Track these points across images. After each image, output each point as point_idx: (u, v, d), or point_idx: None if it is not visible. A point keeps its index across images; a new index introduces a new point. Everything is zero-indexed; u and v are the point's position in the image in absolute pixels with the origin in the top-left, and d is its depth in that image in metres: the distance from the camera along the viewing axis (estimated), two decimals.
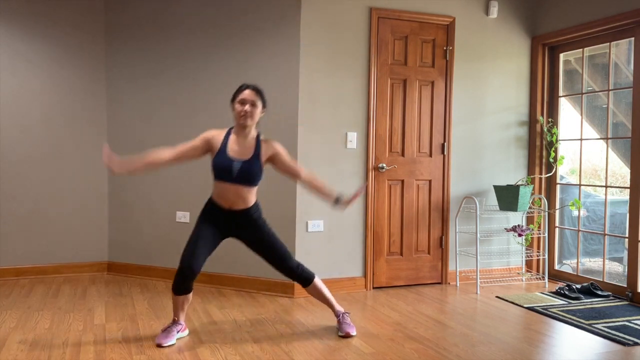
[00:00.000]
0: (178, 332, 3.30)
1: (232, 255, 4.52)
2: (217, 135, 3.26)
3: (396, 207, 4.64)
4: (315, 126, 4.33)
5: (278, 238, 3.39)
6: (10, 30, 4.70)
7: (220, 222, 3.31)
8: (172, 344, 3.22)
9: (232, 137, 3.25)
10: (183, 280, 3.23)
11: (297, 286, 4.29)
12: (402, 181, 4.66)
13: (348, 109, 4.44)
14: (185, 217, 4.66)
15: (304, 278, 3.42)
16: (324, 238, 4.38)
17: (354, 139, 4.46)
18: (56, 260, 4.87)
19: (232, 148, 3.22)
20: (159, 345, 3.18)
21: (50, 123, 4.83)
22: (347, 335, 3.38)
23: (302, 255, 4.30)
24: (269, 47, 4.38)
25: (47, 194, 4.83)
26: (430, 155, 4.75)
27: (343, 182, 4.40)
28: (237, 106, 3.22)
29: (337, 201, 3.32)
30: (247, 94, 3.21)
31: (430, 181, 4.76)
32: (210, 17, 4.54)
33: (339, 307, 3.53)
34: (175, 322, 3.31)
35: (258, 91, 3.26)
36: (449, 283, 4.81)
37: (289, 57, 4.30)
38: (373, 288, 4.58)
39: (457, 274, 4.79)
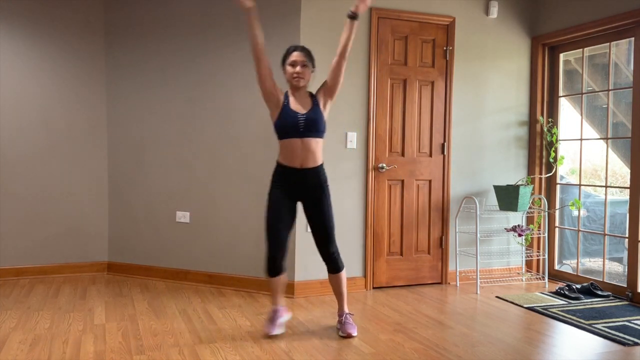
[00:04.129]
0: (280, 318, 3.49)
1: (232, 255, 4.52)
2: (279, 92, 3.35)
3: (396, 207, 4.64)
4: None
5: (333, 217, 3.44)
6: (10, 31, 4.70)
7: (291, 186, 3.37)
8: (283, 332, 3.43)
9: (291, 97, 3.36)
10: (273, 263, 3.40)
11: (297, 286, 4.29)
12: (402, 181, 4.66)
13: (348, 109, 4.44)
14: (185, 217, 4.66)
15: (335, 265, 3.47)
16: None
17: (354, 139, 4.46)
18: (56, 260, 4.88)
19: (293, 105, 3.33)
20: (268, 335, 3.35)
21: (50, 123, 4.83)
22: (349, 336, 3.38)
23: (302, 255, 4.30)
24: (268, 47, 4.36)
25: (47, 193, 4.84)
26: (430, 155, 4.75)
27: (343, 182, 4.41)
28: (289, 68, 3.32)
29: (352, 16, 3.27)
30: (296, 55, 3.31)
31: (430, 181, 4.76)
32: (209, 16, 4.54)
33: (346, 307, 3.55)
34: (275, 311, 3.49)
35: (307, 52, 3.35)
36: (449, 283, 4.81)
37: None
38: (373, 288, 4.58)
39: (457, 274, 4.79)
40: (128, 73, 4.87)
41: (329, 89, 3.38)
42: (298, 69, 3.28)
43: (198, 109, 4.61)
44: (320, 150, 3.36)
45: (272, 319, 3.46)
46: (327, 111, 3.41)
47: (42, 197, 4.82)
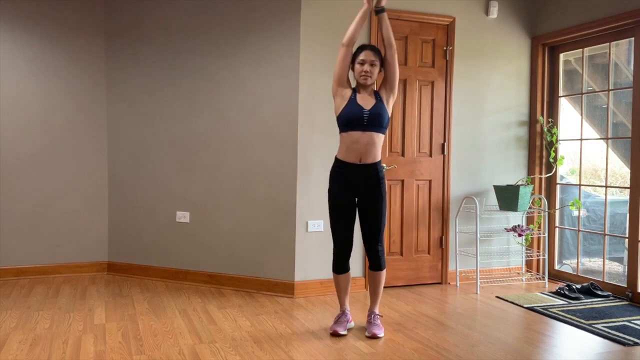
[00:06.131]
0: (348, 321, 3.54)
1: (232, 255, 4.52)
2: (350, 86, 3.47)
3: (396, 207, 4.64)
4: (315, 126, 4.33)
5: (385, 216, 3.47)
6: (10, 31, 4.69)
7: (349, 182, 3.42)
8: (345, 334, 3.43)
9: (358, 94, 3.44)
10: (339, 259, 3.49)
11: (297, 286, 4.29)
12: (402, 181, 4.66)
13: None
14: (185, 217, 4.66)
15: (378, 263, 3.49)
16: (324, 238, 4.38)
17: None
18: (56, 260, 4.88)
19: (360, 101, 3.41)
20: (335, 334, 3.38)
21: (51, 123, 4.83)
22: (374, 336, 3.39)
23: (302, 255, 4.30)
24: (268, 47, 4.38)
25: (47, 193, 4.83)
26: (430, 155, 4.75)
27: None
28: (357, 67, 3.42)
29: (379, 10, 3.44)
30: (365, 54, 3.40)
31: (430, 181, 4.76)
32: (210, 16, 4.54)
33: (376, 308, 3.57)
34: (344, 312, 3.53)
35: (376, 51, 3.43)
36: (449, 283, 4.81)
37: (289, 56, 4.30)
38: None
39: (457, 274, 4.79)
40: (128, 73, 4.87)
41: (388, 83, 3.45)
42: (366, 67, 3.38)
43: (198, 109, 4.61)
44: (380, 147, 3.43)
45: (341, 319, 3.50)
46: (390, 106, 3.48)
47: (42, 197, 4.82)
